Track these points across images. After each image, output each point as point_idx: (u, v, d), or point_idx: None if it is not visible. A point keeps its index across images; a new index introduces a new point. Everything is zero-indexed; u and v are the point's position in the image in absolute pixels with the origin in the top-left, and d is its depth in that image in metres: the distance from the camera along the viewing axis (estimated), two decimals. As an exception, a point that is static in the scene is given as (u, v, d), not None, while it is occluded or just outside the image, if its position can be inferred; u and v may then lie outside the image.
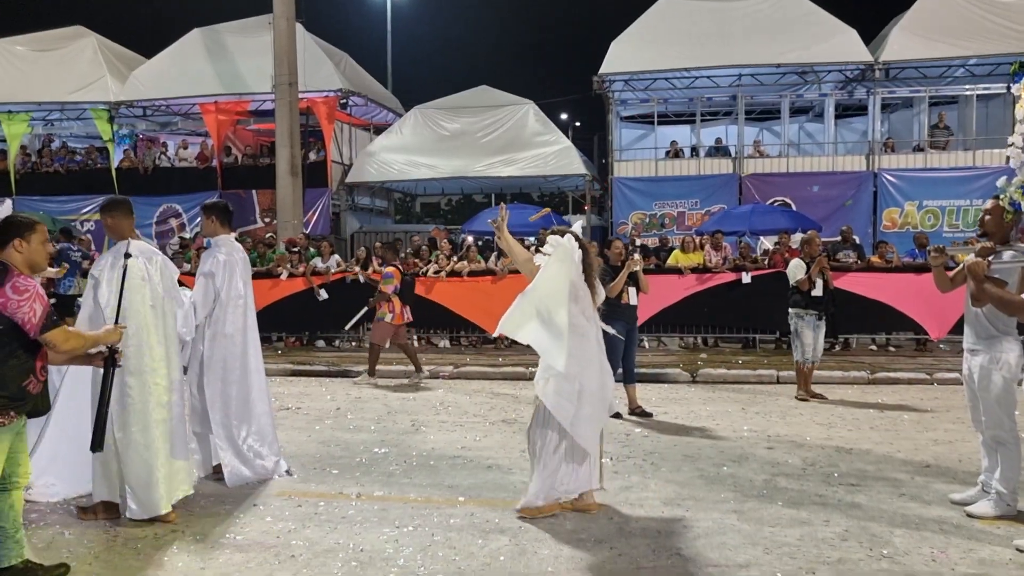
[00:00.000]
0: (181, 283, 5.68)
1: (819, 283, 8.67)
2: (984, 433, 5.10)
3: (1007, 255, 4.77)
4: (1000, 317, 4.83)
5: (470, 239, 16.22)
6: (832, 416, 8.04)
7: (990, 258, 4.70)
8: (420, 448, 6.85)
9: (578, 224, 5.61)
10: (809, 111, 21.80)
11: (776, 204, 17.40)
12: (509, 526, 4.91)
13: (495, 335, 5.09)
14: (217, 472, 5.82)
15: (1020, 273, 4.66)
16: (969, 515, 5.03)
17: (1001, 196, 4.95)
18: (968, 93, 18.35)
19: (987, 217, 5.02)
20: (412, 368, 10.30)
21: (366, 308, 11.11)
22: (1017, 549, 4.46)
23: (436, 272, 12.69)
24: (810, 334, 8.67)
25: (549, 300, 4.95)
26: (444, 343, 13.27)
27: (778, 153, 19.51)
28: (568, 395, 4.97)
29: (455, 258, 13.15)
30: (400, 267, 10.64)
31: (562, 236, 5.14)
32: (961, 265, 4.98)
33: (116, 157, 20.55)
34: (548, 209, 7.39)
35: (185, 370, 5.68)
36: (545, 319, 4.92)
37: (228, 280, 5.78)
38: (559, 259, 5.03)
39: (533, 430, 5.15)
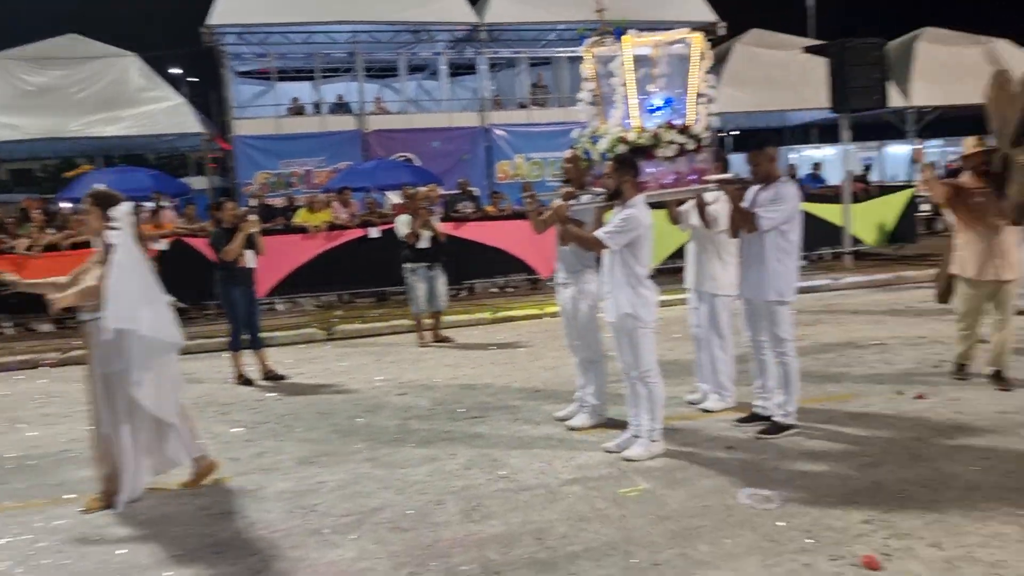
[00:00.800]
0: None
1: (425, 236, 9.09)
2: (578, 355, 5.81)
3: (584, 198, 5.42)
4: (582, 253, 5.50)
5: (67, 207, 14.40)
6: (459, 357, 8.59)
7: (571, 201, 5.31)
8: (18, 448, 6.02)
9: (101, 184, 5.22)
10: (425, 69, 22.64)
11: (400, 160, 17.93)
12: (129, 515, 4.53)
13: (110, 332, 4.53)
14: None
15: (595, 213, 5.34)
16: (570, 428, 5.72)
17: (576, 146, 5.57)
18: (560, 55, 20.37)
19: (567, 165, 5.65)
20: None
21: None
22: (606, 451, 5.18)
23: (28, 248, 11.10)
24: (422, 286, 9.13)
25: (146, 276, 4.61)
26: (47, 327, 11.72)
27: (399, 110, 20.04)
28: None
29: (51, 230, 11.61)
30: None
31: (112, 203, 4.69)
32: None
33: None
34: (89, 166, 6.79)
35: None
36: (147, 300, 4.56)
37: None
38: (129, 232, 4.63)
39: (106, 426, 4.68)
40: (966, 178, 6.17)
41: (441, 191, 13.98)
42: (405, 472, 5.05)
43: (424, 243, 9.06)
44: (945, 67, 20.22)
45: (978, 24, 21.73)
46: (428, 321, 9.43)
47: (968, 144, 6.21)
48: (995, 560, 3.54)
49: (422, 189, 11.11)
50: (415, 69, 22.23)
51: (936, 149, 23.83)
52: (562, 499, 4.50)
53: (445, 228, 10.21)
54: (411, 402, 6.78)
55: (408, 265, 9.13)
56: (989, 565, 3.50)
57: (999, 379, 6.15)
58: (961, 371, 6.43)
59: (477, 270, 12.72)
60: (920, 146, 6.16)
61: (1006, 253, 5.95)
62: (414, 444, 5.60)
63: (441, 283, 9.25)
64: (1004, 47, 21.00)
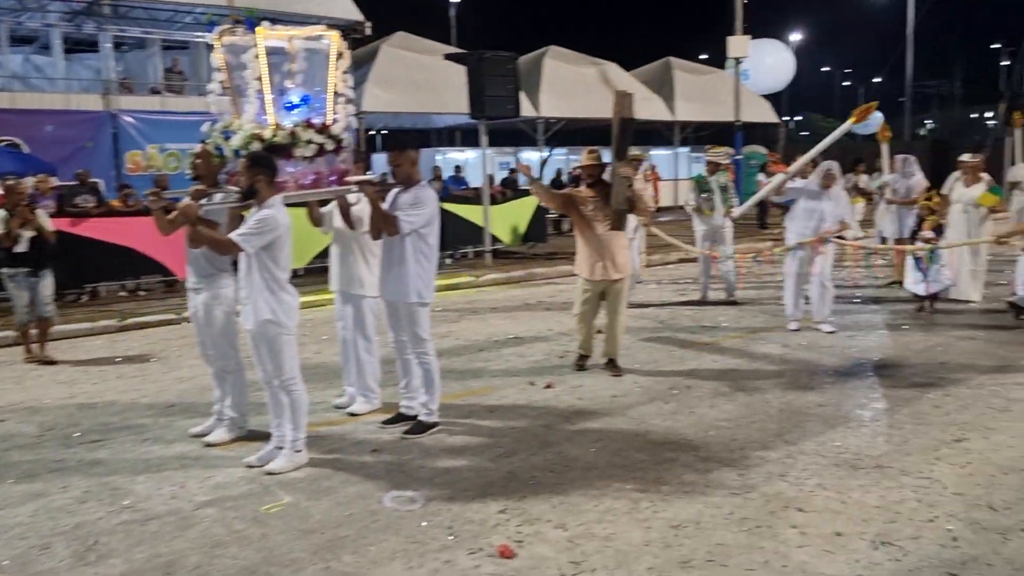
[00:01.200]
0: None
1: (25, 236, 7.82)
2: (213, 365, 5.41)
3: (218, 197, 5.05)
4: (216, 256, 5.12)
5: None
6: (77, 372, 7.59)
7: (202, 200, 4.91)
8: None
9: None
10: (35, 42, 19.78)
11: (3, 145, 15.46)
12: None
13: None
14: None
15: (229, 214, 4.99)
16: (208, 444, 5.31)
17: (207, 141, 5.17)
18: (199, 40, 19.02)
19: (198, 161, 5.23)
20: None
21: None
22: (247, 466, 4.88)
23: None
24: (24, 295, 7.87)
25: None
26: None
27: (0, 87, 17.27)
28: None
29: None
30: None
31: None
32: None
33: None
34: None
35: None
36: None
37: None
38: None
39: None
40: (582, 187, 6.83)
41: (55, 182, 12.32)
42: (2, 514, 4.30)
43: (23, 246, 7.77)
44: (568, 83, 22.48)
45: (591, 48, 24.53)
46: (36, 332, 8.18)
47: (583, 156, 6.88)
48: (608, 534, 3.92)
49: (28, 180, 9.64)
50: (21, 41, 19.30)
51: (562, 157, 26.40)
52: (196, 524, 4.14)
53: (58, 224, 8.95)
54: (12, 429, 5.81)
55: (5, 270, 7.80)
56: (603, 539, 3.87)
57: (612, 366, 6.92)
58: (581, 360, 7.12)
59: (101, 272, 11.39)
60: (524, 162, 6.81)
61: (615, 255, 6.68)
62: (14, 479, 4.80)
63: (44, 286, 7.98)
64: (613, 69, 23.92)
